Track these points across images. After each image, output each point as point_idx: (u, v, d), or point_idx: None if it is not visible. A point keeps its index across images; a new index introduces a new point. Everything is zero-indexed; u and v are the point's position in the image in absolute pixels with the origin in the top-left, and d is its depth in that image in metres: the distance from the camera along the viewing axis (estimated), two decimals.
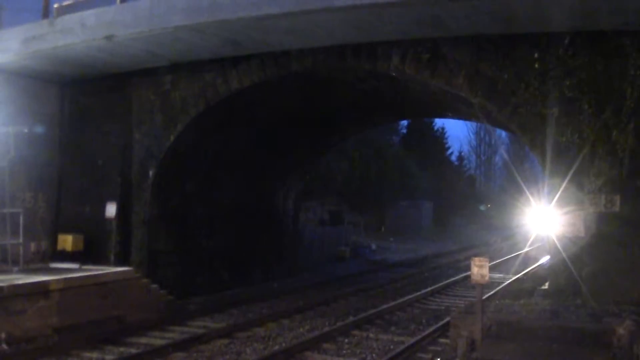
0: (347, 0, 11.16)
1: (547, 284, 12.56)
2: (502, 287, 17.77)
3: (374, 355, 11.59)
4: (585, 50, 11.71)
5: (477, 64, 12.67)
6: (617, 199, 11.24)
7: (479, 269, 10.05)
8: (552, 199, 12.17)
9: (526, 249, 30.89)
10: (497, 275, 22.82)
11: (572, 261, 11.62)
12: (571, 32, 11.70)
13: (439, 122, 62.63)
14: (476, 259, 10.26)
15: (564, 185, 11.89)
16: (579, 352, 9.09)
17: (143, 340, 12.66)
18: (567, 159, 11.85)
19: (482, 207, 57.78)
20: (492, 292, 16.32)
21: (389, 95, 17.33)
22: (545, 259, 21.91)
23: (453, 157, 68.96)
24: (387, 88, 16.22)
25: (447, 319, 12.55)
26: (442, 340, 12.54)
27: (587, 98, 11.70)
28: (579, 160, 11.70)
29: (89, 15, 13.54)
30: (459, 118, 23.65)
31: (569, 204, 11.76)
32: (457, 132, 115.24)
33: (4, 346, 11.26)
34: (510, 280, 20.18)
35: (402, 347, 11.80)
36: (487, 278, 10.02)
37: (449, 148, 66.31)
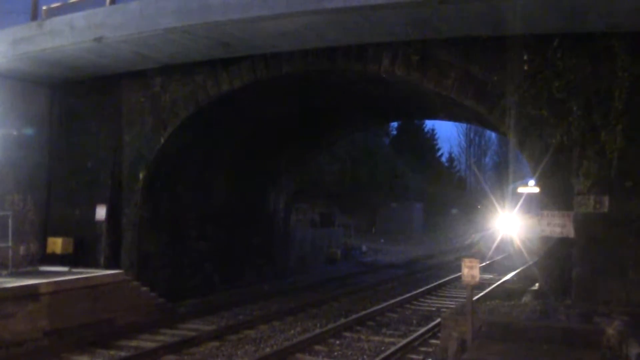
0: (336, 2, 11.15)
1: (537, 284, 12.61)
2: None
3: (365, 356, 11.61)
4: (574, 52, 11.78)
5: (467, 66, 12.72)
6: (606, 200, 11.31)
7: (470, 270, 10.10)
8: (542, 200, 12.24)
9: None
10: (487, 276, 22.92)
11: (561, 262, 11.69)
12: (560, 34, 11.77)
13: (429, 124, 62.94)
14: (466, 260, 10.30)
15: (552, 186, 11.97)
16: (569, 352, 9.14)
17: (133, 343, 12.62)
18: (556, 160, 11.92)
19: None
20: (482, 294, 16.37)
21: (380, 97, 17.37)
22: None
23: (443, 159, 69.25)
24: (378, 90, 16.25)
25: (438, 320, 12.60)
26: (433, 341, 12.57)
27: (575, 99, 11.76)
28: (568, 162, 11.77)
29: (78, 17, 13.48)
30: (450, 120, 23.75)
31: (558, 205, 11.82)
32: (447, 133, 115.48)
33: None
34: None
35: (393, 348, 11.83)
36: (477, 279, 10.07)
37: (439, 149, 66.57)
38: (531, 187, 27.76)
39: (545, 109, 12.05)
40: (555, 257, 11.81)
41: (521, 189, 29.60)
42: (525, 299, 11.94)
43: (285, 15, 11.69)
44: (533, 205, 25.47)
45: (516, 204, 28.16)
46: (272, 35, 12.84)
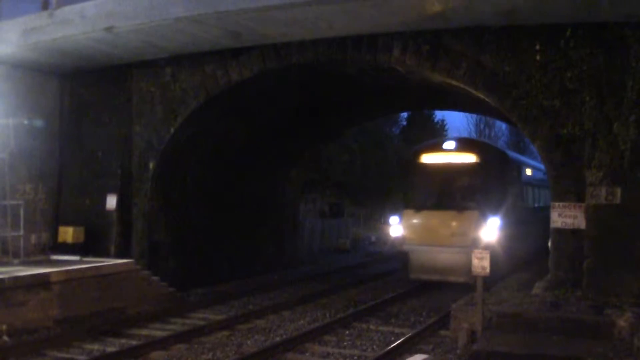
0: None
1: (548, 276, 12.57)
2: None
3: (374, 346, 11.61)
4: (587, 42, 11.68)
5: (478, 56, 12.64)
6: (618, 191, 11.24)
7: (480, 261, 10.08)
8: (553, 191, 12.17)
9: None
10: None
11: (572, 253, 11.65)
12: (573, 24, 11.67)
13: (439, 114, 62.50)
14: (476, 251, 10.28)
15: (564, 177, 11.91)
16: (579, 343, 9.12)
17: (144, 331, 12.68)
18: (567, 151, 11.86)
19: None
20: None
21: (390, 87, 17.28)
22: None
23: None
24: (388, 80, 16.17)
25: (448, 311, 12.58)
26: (442, 332, 12.56)
27: (588, 90, 11.68)
28: (580, 153, 11.70)
29: (89, 7, 13.48)
30: (460, 110, 23.66)
31: (569, 196, 11.76)
32: (457, 123, 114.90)
33: (5, 338, 11.29)
34: None
35: (402, 338, 11.83)
36: (487, 270, 10.04)
37: None
38: (451, 154, 16.26)
39: (557, 99, 11.98)
40: (567, 248, 11.76)
41: (429, 157, 16.77)
42: (536, 290, 11.90)
43: (296, 5, 11.64)
44: (457, 188, 16.12)
45: (420, 185, 16.72)
46: (282, 25, 12.80)
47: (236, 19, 12.58)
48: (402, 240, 16.13)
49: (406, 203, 16.67)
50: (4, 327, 11.37)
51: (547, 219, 12.48)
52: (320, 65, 14.89)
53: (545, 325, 9.70)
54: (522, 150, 45.62)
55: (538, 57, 12.15)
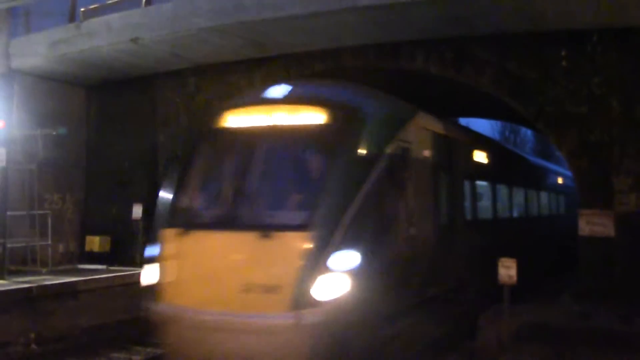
0: (371, 0, 11.11)
1: (576, 285, 12.38)
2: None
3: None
4: (614, 47, 11.50)
5: (503, 63, 12.51)
6: None
7: (507, 270, 9.93)
8: (580, 198, 12.00)
9: None
10: None
11: (602, 262, 11.44)
12: (599, 29, 11.51)
13: (462, 122, 62.17)
14: (503, 259, 10.12)
15: (592, 184, 11.73)
16: (609, 354, 8.94)
17: None
18: (595, 158, 11.68)
19: None
20: None
21: (413, 96, 17.20)
22: None
23: None
24: (411, 88, 16.10)
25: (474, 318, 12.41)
26: (469, 342, 12.38)
27: (616, 96, 11.49)
28: (608, 159, 11.51)
29: (115, 19, 13.68)
30: (484, 117, 23.47)
31: (598, 204, 11.57)
32: (481, 130, 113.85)
33: (34, 346, 11.41)
34: None
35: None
36: (514, 279, 9.89)
37: None
38: (278, 109, 7.78)
39: (584, 105, 11.80)
40: (595, 257, 11.56)
41: (234, 117, 8.16)
42: (565, 299, 11.72)
43: (319, 14, 11.67)
44: (278, 182, 7.79)
45: (203, 175, 8.43)
46: (305, 34, 12.83)
47: (259, 29, 12.65)
48: (155, 295, 7.79)
49: (171, 215, 8.08)
50: (33, 335, 11.50)
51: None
52: (342, 74, 14.88)
53: (574, 335, 9.52)
54: (548, 157, 45.20)
55: (564, 63, 11.99)
